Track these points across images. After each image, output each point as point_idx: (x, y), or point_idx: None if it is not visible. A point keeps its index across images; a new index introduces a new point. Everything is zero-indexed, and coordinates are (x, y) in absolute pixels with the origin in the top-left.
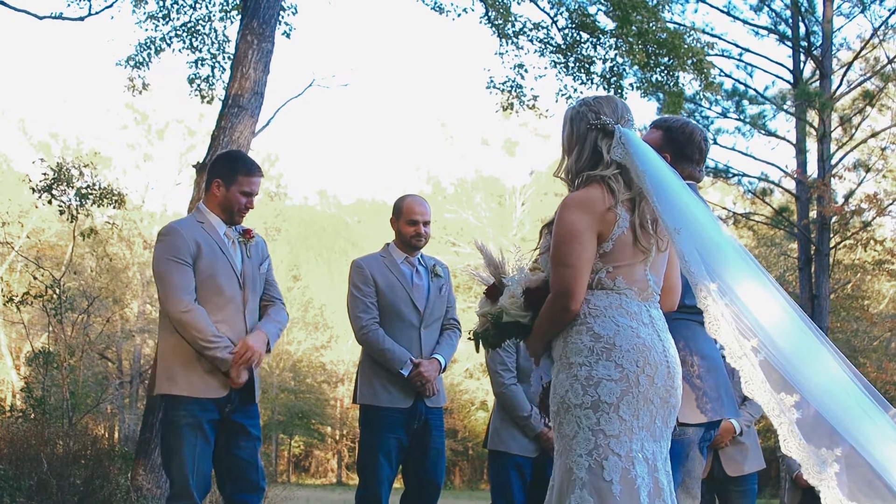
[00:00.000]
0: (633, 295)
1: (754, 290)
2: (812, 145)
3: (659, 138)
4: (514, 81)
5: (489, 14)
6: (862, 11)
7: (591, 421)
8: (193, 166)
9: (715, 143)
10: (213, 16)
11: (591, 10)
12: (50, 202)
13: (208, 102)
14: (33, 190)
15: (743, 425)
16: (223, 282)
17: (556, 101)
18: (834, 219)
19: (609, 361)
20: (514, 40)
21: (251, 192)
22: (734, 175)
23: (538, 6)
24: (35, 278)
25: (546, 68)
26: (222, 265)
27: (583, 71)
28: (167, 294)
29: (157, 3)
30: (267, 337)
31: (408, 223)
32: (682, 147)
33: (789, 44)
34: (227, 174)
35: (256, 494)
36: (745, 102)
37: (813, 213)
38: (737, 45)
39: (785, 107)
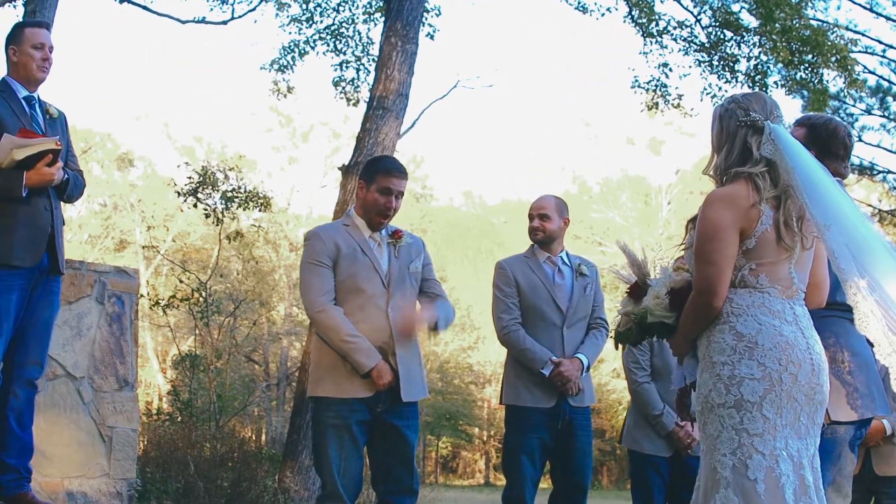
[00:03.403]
0: (776, 293)
1: None
2: None
3: (803, 136)
4: (658, 80)
5: (633, 13)
6: None
7: (734, 420)
8: (339, 168)
9: (860, 140)
10: (357, 18)
11: (735, 7)
12: (195, 206)
13: (353, 105)
14: (178, 193)
15: (894, 425)
16: (363, 282)
17: (701, 99)
18: None
19: (751, 360)
20: (658, 39)
21: (389, 189)
22: (879, 172)
23: (681, 5)
24: (181, 282)
25: (690, 67)
26: (363, 266)
27: (727, 69)
28: (304, 296)
29: (301, 6)
30: (437, 313)
31: (529, 219)
32: (827, 144)
33: None
34: (368, 175)
35: (409, 497)
36: (890, 99)
37: None
38: (880, 42)
39: None
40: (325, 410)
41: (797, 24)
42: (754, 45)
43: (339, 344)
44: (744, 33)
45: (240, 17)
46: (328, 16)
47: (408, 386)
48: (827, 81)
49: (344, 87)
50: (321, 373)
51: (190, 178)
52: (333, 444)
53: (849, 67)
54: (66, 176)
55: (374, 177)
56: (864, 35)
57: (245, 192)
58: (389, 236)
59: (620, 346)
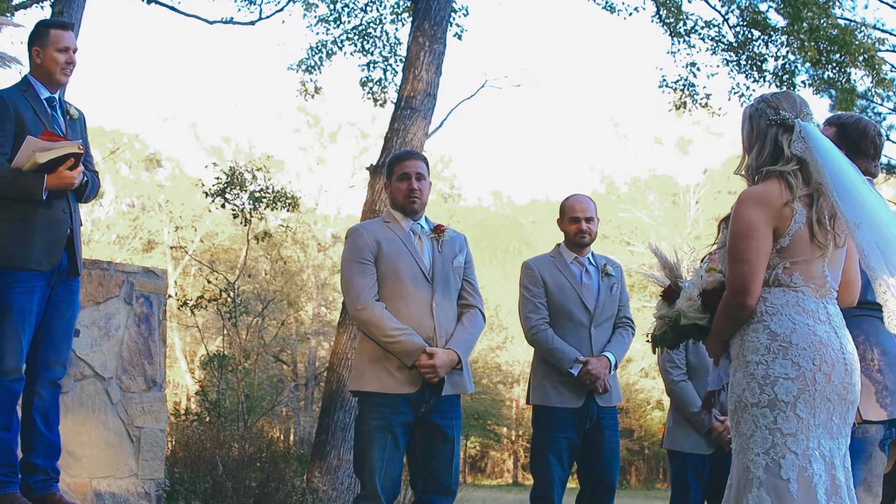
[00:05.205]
0: (810, 292)
1: None
2: None
3: (833, 135)
4: (686, 80)
5: (660, 13)
6: None
7: (767, 420)
8: (367, 168)
9: (888, 139)
10: (384, 18)
11: (762, 7)
12: (223, 206)
13: (381, 105)
14: (206, 194)
15: None
16: (406, 277)
17: (729, 99)
18: None
19: (786, 360)
20: (686, 38)
21: (406, 173)
22: None
23: (709, 4)
24: (209, 282)
25: (718, 66)
26: (405, 261)
27: (755, 68)
28: (346, 294)
29: (328, 6)
30: (458, 356)
31: (570, 221)
32: (857, 142)
33: None
34: (387, 173)
35: (447, 497)
36: None
37: None
38: None
39: None
40: (369, 411)
41: (825, 24)
42: (782, 44)
43: (384, 339)
44: (771, 32)
45: (267, 17)
46: (356, 16)
47: (450, 379)
48: (854, 80)
49: (371, 88)
50: (364, 367)
51: (218, 178)
52: (377, 447)
53: (876, 66)
54: (86, 178)
55: (391, 170)
56: (891, 34)
57: (273, 192)
58: (432, 231)
59: (658, 349)
